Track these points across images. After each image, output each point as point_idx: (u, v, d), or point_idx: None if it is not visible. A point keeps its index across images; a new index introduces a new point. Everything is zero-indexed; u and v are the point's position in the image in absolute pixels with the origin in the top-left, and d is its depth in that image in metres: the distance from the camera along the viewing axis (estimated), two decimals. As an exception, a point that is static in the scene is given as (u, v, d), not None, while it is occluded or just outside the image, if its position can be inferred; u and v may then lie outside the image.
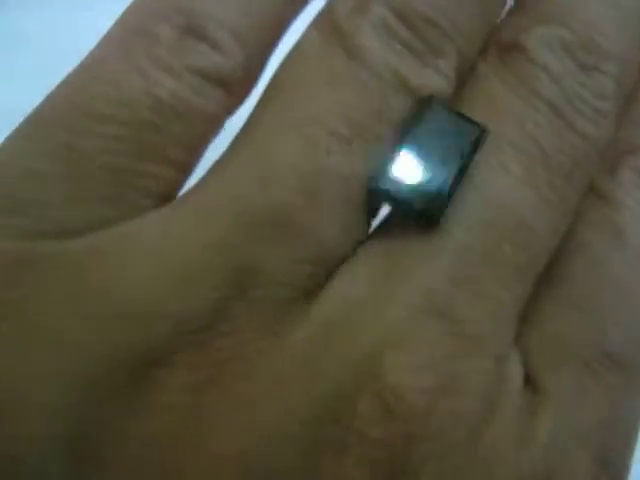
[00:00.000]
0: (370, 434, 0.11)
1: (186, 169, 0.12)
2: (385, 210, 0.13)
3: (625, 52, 0.14)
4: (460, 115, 0.12)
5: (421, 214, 0.12)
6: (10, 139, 0.12)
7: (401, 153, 0.12)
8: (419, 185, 0.12)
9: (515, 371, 0.12)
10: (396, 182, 0.12)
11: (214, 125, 0.13)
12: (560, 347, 0.13)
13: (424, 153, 0.12)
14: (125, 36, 0.12)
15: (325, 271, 0.12)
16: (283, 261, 0.11)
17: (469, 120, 0.12)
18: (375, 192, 0.12)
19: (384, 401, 0.11)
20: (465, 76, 0.14)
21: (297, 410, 0.11)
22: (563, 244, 0.14)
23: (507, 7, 0.15)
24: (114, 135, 0.11)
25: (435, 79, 0.13)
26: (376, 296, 0.12)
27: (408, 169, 0.12)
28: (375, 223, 0.13)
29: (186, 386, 0.11)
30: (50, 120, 0.12)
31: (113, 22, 0.13)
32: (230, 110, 0.13)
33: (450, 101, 0.13)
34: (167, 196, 0.12)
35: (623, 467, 0.13)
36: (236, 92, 0.13)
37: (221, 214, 0.11)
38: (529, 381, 0.13)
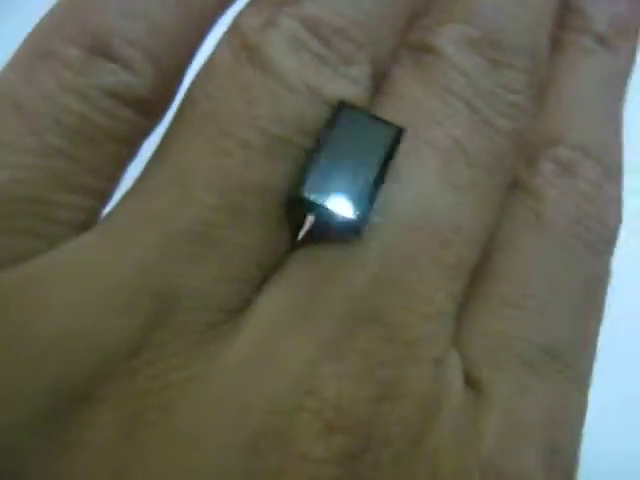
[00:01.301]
0: (311, 453, 0.10)
1: (103, 195, 0.12)
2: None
3: (533, 44, 0.14)
4: (374, 117, 0.12)
5: (342, 223, 0.12)
6: None
7: (318, 162, 0.12)
8: (338, 193, 0.12)
9: (455, 373, 0.12)
10: (314, 192, 0.12)
11: (129, 148, 0.12)
12: (498, 345, 0.13)
13: (341, 159, 0.12)
14: (30, 60, 0.12)
15: (252, 287, 0.12)
16: (206, 282, 0.11)
17: (384, 121, 0.12)
18: (294, 203, 0.12)
19: (323, 416, 0.10)
20: (381, 81, 0.14)
21: (231, 439, 0.10)
22: (491, 241, 0.14)
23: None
24: (24, 164, 0.11)
25: (348, 87, 0.13)
26: (304, 308, 0.11)
27: (326, 178, 0.12)
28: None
29: (110, 423, 0.10)
30: None
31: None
32: (145, 131, 0.13)
33: (367, 107, 0.13)
34: (87, 225, 0.12)
35: (572, 460, 0.12)
36: (150, 112, 0.12)
37: (139, 237, 0.11)
38: (471, 381, 0.12)
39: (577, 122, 0.14)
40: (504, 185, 0.14)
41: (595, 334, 0.14)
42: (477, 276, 0.13)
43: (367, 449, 0.11)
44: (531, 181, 0.14)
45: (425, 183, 0.13)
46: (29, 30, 0.12)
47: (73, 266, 0.11)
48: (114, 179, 0.12)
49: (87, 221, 0.12)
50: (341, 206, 0.12)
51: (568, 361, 0.13)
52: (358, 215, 0.12)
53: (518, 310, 0.13)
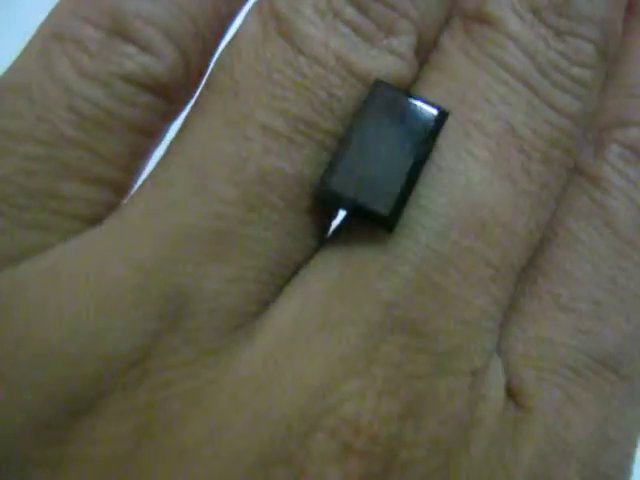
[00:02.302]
0: (324, 478, 0.10)
1: (122, 187, 0.11)
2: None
3: (605, 13, 0.12)
4: (414, 98, 0.11)
5: (374, 217, 0.11)
6: None
7: (348, 149, 0.11)
8: (368, 185, 0.11)
9: (496, 385, 0.11)
10: (342, 183, 0.11)
11: (150, 136, 0.11)
12: (547, 354, 0.11)
13: (375, 146, 0.11)
14: (45, 42, 0.11)
15: (273, 287, 0.11)
16: (221, 283, 0.10)
17: (425, 102, 0.11)
18: (321, 194, 0.11)
19: (340, 436, 0.10)
20: (429, 52, 0.12)
21: (241, 456, 0.10)
22: (548, 234, 0.12)
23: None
24: (33, 155, 0.10)
25: (388, 62, 0.11)
26: (330, 314, 0.10)
27: (356, 167, 0.11)
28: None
29: (113, 437, 0.10)
30: None
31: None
32: (169, 118, 0.12)
33: (410, 83, 0.12)
34: (101, 218, 0.11)
35: None
36: (174, 97, 0.12)
37: (151, 233, 0.10)
38: (512, 393, 0.11)
39: None
40: (564, 173, 0.12)
41: None
42: (527, 273, 0.12)
43: (388, 473, 0.10)
44: (596, 168, 0.12)
45: (471, 172, 0.11)
46: (28, 30, 0.12)
47: (78, 265, 0.10)
48: (134, 170, 0.11)
49: (101, 214, 0.11)
50: (371, 200, 0.11)
51: (626, 373, 0.12)
52: (389, 209, 0.11)
53: (571, 314, 0.12)
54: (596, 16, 0.12)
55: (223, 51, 0.12)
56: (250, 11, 0.12)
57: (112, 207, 0.11)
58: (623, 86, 0.13)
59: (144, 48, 0.11)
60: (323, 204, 0.11)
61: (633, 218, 0.12)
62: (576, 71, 0.12)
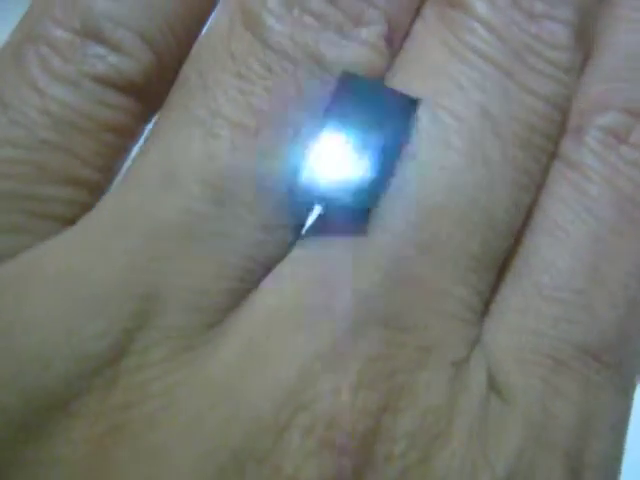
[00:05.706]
0: (300, 474, 0.09)
1: (99, 187, 0.11)
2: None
3: None
4: (384, 88, 0.11)
5: (348, 210, 0.11)
6: None
7: (319, 142, 0.11)
8: (342, 177, 0.11)
9: (477, 377, 0.11)
10: (315, 176, 0.11)
11: (125, 137, 0.11)
12: (530, 344, 0.11)
13: (345, 139, 0.11)
14: (18, 44, 0.11)
15: (249, 283, 0.11)
16: (195, 279, 0.10)
17: (395, 92, 0.11)
18: (292, 190, 0.11)
19: (316, 432, 0.10)
20: (403, 41, 0.12)
21: (215, 453, 0.09)
22: (529, 221, 0.12)
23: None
24: (9, 158, 0.11)
25: (357, 51, 0.11)
26: (305, 309, 0.10)
27: (328, 160, 0.11)
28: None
29: (86, 438, 0.09)
30: None
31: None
32: (144, 118, 0.12)
33: (382, 73, 0.12)
34: (77, 218, 0.11)
35: (609, 474, 0.11)
36: (148, 97, 0.12)
37: (123, 231, 0.10)
38: (495, 385, 0.11)
39: (628, 82, 0.12)
40: (544, 158, 0.12)
41: None
42: (508, 261, 0.12)
43: (365, 468, 0.10)
44: (577, 154, 0.12)
45: (446, 160, 0.11)
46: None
47: (52, 266, 0.10)
48: (110, 170, 0.11)
49: (80, 215, 0.11)
50: (344, 193, 0.11)
51: (611, 362, 0.11)
52: (363, 202, 0.10)
53: (554, 304, 0.11)
54: None
55: (197, 45, 0.12)
56: (219, 6, 0.12)
57: (88, 207, 0.11)
58: (602, 70, 0.12)
59: (116, 49, 0.11)
60: (295, 199, 0.11)
61: (614, 204, 0.12)
62: (552, 54, 0.11)
